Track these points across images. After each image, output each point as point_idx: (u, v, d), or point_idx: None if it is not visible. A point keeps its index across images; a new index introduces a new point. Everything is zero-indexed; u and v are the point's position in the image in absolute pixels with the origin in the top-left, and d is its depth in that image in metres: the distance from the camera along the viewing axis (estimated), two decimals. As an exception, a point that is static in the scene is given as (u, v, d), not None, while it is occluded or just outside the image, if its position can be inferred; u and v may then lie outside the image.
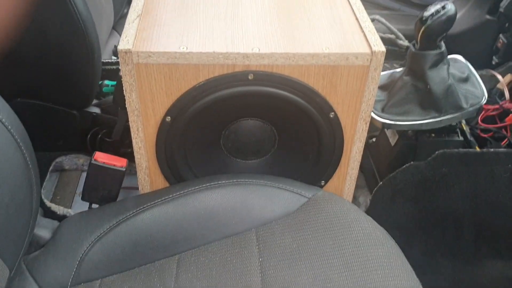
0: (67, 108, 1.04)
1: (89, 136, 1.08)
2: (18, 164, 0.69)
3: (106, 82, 1.15)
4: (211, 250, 0.73)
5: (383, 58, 0.74)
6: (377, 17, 1.16)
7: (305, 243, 0.71)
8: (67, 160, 1.04)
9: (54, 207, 0.91)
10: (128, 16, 0.80)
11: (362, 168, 1.08)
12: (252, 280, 0.67)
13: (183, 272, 0.70)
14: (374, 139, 1.03)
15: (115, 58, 1.34)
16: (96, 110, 1.08)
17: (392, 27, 1.15)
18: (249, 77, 0.75)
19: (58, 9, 0.89)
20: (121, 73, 0.74)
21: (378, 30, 1.25)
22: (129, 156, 0.88)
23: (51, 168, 1.02)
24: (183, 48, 0.73)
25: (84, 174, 1.05)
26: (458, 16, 1.52)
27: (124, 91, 0.76)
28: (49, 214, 0.92)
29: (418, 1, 1.75)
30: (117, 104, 1.05)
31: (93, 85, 1.03)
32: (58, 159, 1.03)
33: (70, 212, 0.91)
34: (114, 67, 1.20)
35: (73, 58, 0.97)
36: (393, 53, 1.23)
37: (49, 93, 1.02)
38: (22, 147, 0.69)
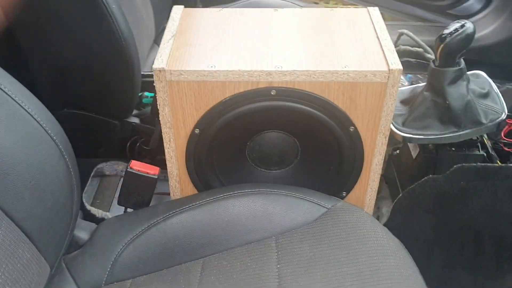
0: (109, 118, 1.12)
1: (128, 144, 1.15)
2: (61, 171, 0.76)
3: (146, 93, 1.22)
4: (233, 255, 0.78)
5: (400, 76, 0.77)
6: (405, 31, 1.18)
7: (322, 252, 0.75)
8: (108, 167, 1.12)
9: (93, 210, 0.99)
10: (164, 36, 0.86)
11: (387, 179, 1.10)
12: (269, 285, 0.72)
13: (206, 275, 0.75)
14: (398, 151, 1.06)
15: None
16: (136, 120, 1.16)
17: (419, 40, 1.17)
18: (272, 93, 0.80)
19: (102, 28, 0.97)
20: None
21: (406, 43, 1.28)
22: (164, 162, 0.94)
23: (92, 173, 1.10)
24: (211, 66, 0.78)
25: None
26: (492, 27, 1.52)
27: (158, 106, 0.82)
28: (89, 216, 0.99)
29: (452, 12, 1.74)
30: (154, 115, 1.12)
31: (133, 97, 1.10)
32: (99, 166, 1.11)
33: (108, 215, 0.98)
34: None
35: (115, 73, 1.05)
36: (421, 66, 1.25)
37: (93, 105, 1.11)
38: (65, 156, 0.76)
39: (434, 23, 1.72)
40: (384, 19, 0.92)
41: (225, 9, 0.95)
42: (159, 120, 1.11)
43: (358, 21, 0.90)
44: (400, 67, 0.77)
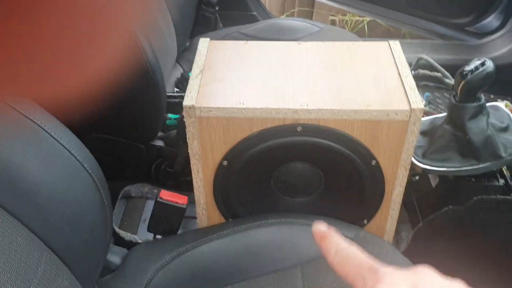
0: (135, 142, 1.16)
1: (153, 166, 1.19)
2: (97, 204, 0.80)
3: (169, 115, 1.26)
4: (259, 283, 0.81)
5: (421, 114, 0.80)
6: (424, 56, 1.21)
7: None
8: (134, 189, 1.16)
9: (122, 233, 1.03)
10: (192, 71, 0.90)
11: (406, 204, 1.13)
12: (295, 314, 0.75)
13: (234, 303, 0.79)
14: (417, 177, 1.08)
15: (177, 90, 1.46)
16: (160, 143, 1.20)
17: (438, 66, 1.20)
18: (298, 129, 0.83)
19: (131, 58, 1.01)
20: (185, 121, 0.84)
21: (425, 67, 1.30)
22: (188, 184, 0.97)
23: (120, 196, 1.14)
24: (239, 103, 0.82)
25: (148, 202, 1.17)
26: (510, 46, 1.54)
27: (187, 139, 0.86)
28: (118, 239, 1.03)
29: (471, 29, 1.76)
30: (179, 139, 1.16)
31: (158, 121, 1.14)
32: (126, 188, 1.15)
33: (136, 238, 1.02)
34: (177, 100, 1.31)
35: (142, 99, 1.09)
36: (440, 89, 1.27)
37: (119, 129, 1.15)
38: (100, 189, 0.80)
39: (453, 40, 1.74)
40: (403, 35, 0.95)
41: (250, 42, 0.98)
42: (184, 145, 1.15)
43: (380, 56, 0.93)
44: (422, 106, 0.80)
